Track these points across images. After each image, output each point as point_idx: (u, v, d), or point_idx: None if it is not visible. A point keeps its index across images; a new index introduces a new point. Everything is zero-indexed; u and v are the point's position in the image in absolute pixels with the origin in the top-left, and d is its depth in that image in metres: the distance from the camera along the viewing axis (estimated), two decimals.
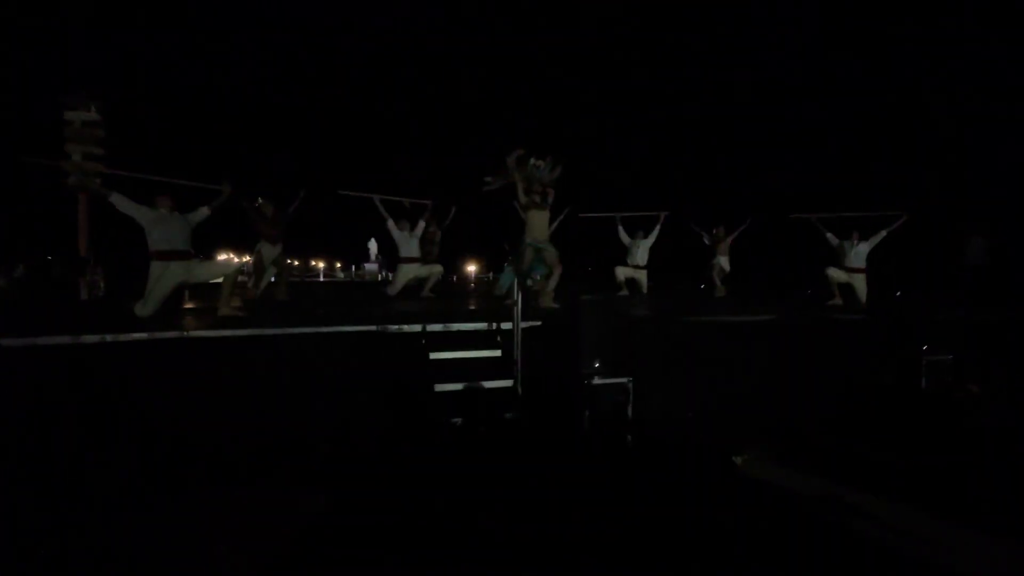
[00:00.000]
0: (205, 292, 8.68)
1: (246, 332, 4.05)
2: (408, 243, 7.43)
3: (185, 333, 3.82)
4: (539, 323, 4.74)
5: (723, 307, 6.81)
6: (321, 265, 33.19)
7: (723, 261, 9.05)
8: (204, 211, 5.11)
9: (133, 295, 5.02)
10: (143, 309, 4.62)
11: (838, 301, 7.44)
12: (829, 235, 7.67)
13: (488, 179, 6.34)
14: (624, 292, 8.55)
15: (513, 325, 4.37)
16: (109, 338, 3.61)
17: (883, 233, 7.38)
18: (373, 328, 4.31)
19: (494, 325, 4.71)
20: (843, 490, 3.37)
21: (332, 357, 4.00)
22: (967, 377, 5.31)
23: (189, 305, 6.37)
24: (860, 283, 7.45)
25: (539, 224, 6.12)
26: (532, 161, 6.15)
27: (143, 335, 3.74)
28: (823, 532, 2.93)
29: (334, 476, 3.18)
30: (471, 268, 29.24)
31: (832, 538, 2.85)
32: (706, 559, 2.48)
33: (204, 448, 3.17)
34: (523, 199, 6.16)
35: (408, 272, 7.57)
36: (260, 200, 6.83)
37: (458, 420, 3.81)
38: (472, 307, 6.54)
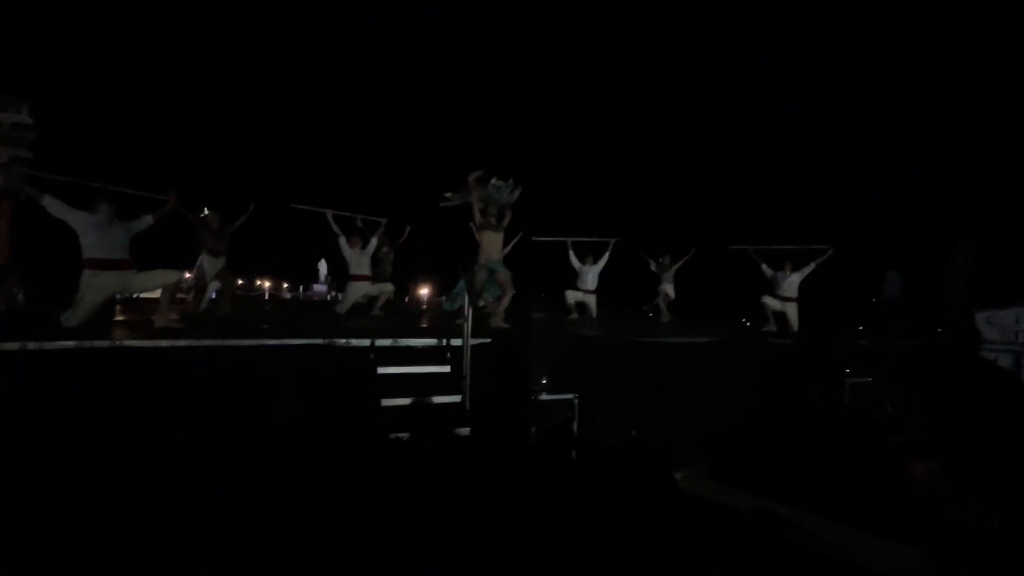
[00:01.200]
0: (138, 306, 8.25)
1: (184, 343, 3.89)
2: (359, 260, 7.36)
3: (117, 342, 3.64)
4: (488, 340, 4.79)
5: (666, 330, 7.09)
6: (267, 284, 32.02)
7: (668, 288, 9.45)
8: (147, 220, 4.91)
9: (57, 306, 4.73)
10: (70, 319, 4.36)
11: (772, 327, 7.89)
12: (764, 266, 8.17)
13: (448, 195, 6.41)
14: (574, 316, 8.74)
15: (463, 342, 4.41)
16: (32, 346, 3.39)
17: (812, 265, 7.93)
18: (320, 342, 4.24)
19: (443, 341, 4.73)
20: (772, 504, 3.56)
21: (276, 370, 3.90)
22: (884, 398, 5.74)
23: (120, 318, 6.03)
24: (792, 311, 7.94)
25: (493, 245, 6.21)
26: (493, 181, 6.26)
27: (70, 343, 3.54)
28: (752, 542, 3.08)
29: (270, 491, 3.09)
30: (424, 290, 29.01)
31: (761, 546, 3.01)
32: (641, 566, 2.56)
33: (131, 463, 3.01)
34: (478, 219, 6.24)
35: (358, 290, 7.48)
36: (206, 211, 6.62)
37: (404, 434, 3.77)
38: (423, 325, 6.53)
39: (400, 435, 3.79)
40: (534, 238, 8.33)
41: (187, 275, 7.21)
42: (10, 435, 2.86)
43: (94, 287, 4.43)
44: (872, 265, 9.28)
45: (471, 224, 6.53)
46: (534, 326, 4.42)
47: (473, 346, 4.43)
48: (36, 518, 2.57)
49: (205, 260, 6.57)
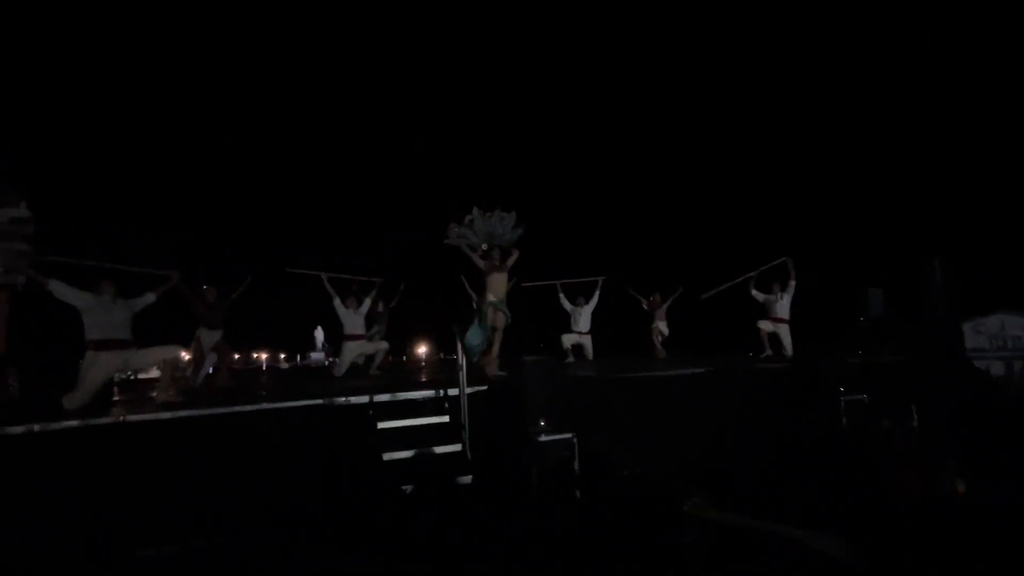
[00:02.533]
0: (135, 387, 8.29)
1: (186, 414, 3.97)
2: (353, 320, 7.49)
3: (121, 418, 3.72)
4: (484, 388, 4.88)
5: (661, 364, 7.19)
6: (264, 356, 31.85)
7: (662, 325, 9.61)
8: (150, 297, 5.07)
9: (55, 392, 4.78)
10: (72, 401, 4.42)
11: (768, 352, 8.00)
12: (755, 292, 8.33)
13: (455, 229, 6.31)
14: (570, 359, 8.82)
15: (459, 391, 4.51)
16: (37, 428, 3.46)
17: (792, 282, 8.09)
18: (319, 402, 4.32)
19: (441, 392, 4.81)
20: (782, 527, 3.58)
21: (277, 433, 3.97)
22: (880, 414, 5.80)
23: (118, 398, 6.07)
24: (785, 333, 8.07)
25: (498, 285, 6.11)
26: (497, 212, 6.19)
27: (74, 423, 3.61)
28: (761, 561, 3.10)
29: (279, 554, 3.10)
30: (422, 349, 28.96)
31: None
32: None
33: (142, 530, 3.04)
34: (481, 264, 6.15)
35: (353, 349, 7.57)
36: (205, 287, 6.79)
37: (408, 487, 3.81)
38: (422, 379, 6.60)
39: (404, 488, 3.83)
40: (523, 284, 8.52)
41: (184, 353, 7.27)
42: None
43: (97, 366, 4.53)
44: (854, 284, 9.52)
45: (477, 269, 6.33)
46: (528, 369, 4.52)
47: (470, 394, 4.53)
48: None
49: (203, 333, 6.67)
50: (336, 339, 8.23)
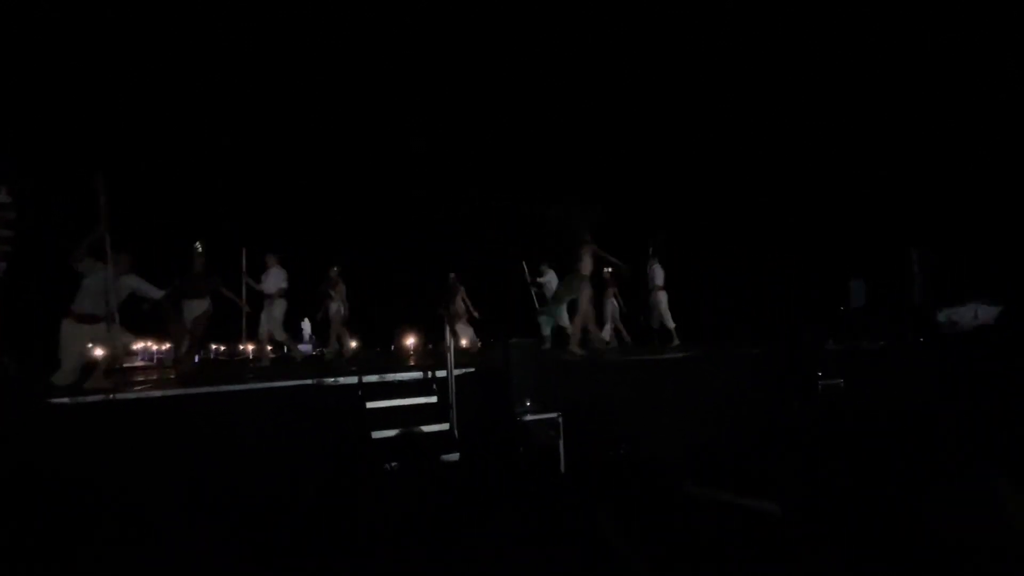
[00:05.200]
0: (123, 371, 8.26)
1: (175, 392, 4.01)
2: None
3: (111, 396, 3.75)
4: (472, 369, 4.97)
5: (642, 349, 7.32)
6: (250, 348, 31.57)
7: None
8: (154, 294, 5.09)
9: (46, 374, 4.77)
10: (62, 377, 4.44)
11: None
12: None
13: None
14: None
15: (447, 372, 4.59)
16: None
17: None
18: (309, 382, 4.38)
19: (428, 374, 4.89)
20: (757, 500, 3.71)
21: (267, 412, 4.03)
22: (854, 397, 5.99)
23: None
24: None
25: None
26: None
27: (65, 400, 3.64)
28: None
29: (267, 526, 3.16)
30: (410, 340, 28.83)
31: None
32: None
33: (129, 506, 3.09)
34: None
35: None
36: (197, 245, 6.44)
37: (395, 464, 3.88)
38: (411, 364, 6.67)
39: (391, 465, 3.90)
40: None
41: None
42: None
43: (67, 338, 4.53)
44: (836, 275, 9.72)
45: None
46: (514, 351, 4.60)
47: (457, 376, 4.61)
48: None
49: (185, 307, 6.34)
50: (324, 336, 8.88)
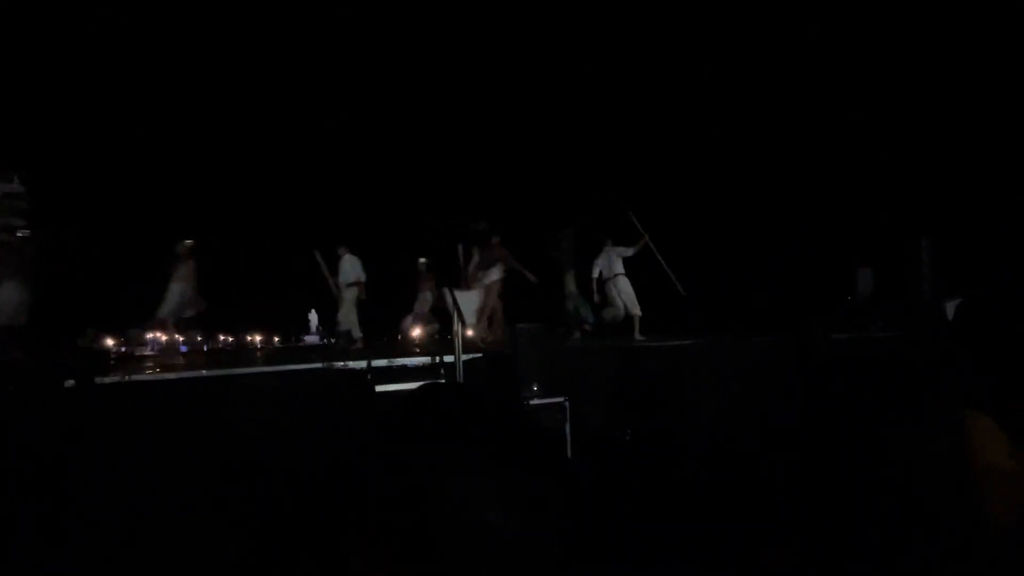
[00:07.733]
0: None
1: (184, 375, 4.06)
2: None
3: (127, 377, 3.80)
4: (479, 355, 4.99)
5: (649, 336, 7.34)
6: (258, 338, 31.87)
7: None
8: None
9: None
10: None
11: None
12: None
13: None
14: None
15: (455, 357, 4.61)
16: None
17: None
18: (318, 366, 4.42)
19: (436, 359, 4.92)
20: None
21: (276, 395, 4.07)
22: (862, 385, 5.97)
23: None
24: None
25: None
26: None
27: (71, 382, 3.69)
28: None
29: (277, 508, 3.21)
30: (417, 331, 29.01)
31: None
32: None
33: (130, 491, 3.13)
34: None
35: None
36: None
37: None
38: (417, 349, 6.72)
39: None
40: None
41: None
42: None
43: None
44: (845, 264, 9.67)
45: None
46: (521, 336, 4.61)
47: (465, 360, 4.63)
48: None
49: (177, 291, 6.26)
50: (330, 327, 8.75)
